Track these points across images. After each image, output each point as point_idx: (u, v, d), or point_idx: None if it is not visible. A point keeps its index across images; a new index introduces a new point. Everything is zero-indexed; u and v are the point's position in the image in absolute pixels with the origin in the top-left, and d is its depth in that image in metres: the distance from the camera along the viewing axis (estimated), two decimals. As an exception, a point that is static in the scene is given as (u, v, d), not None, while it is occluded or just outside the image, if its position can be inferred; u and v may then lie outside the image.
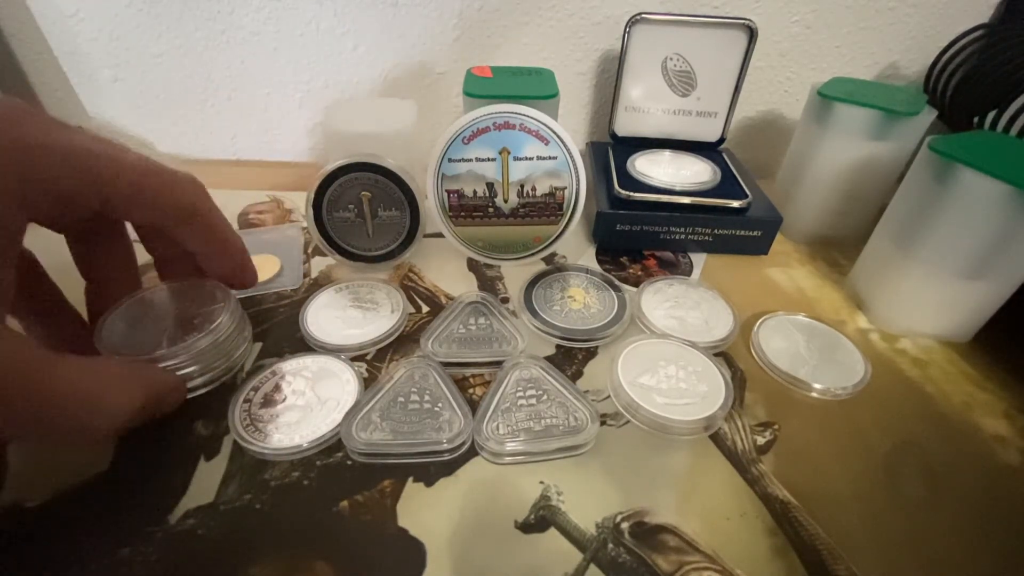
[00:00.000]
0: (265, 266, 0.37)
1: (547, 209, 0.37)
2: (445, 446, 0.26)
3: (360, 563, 0.22)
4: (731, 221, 0.40)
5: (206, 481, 0.24)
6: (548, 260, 0.40)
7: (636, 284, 0.38)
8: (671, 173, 0.42)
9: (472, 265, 0.39)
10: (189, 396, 0.28)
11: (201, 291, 0.29)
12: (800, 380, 0.31)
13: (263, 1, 0.45)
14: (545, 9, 0.47)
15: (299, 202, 0.45)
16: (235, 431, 0.26)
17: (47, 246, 0.26)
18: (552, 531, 0.23)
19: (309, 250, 0.40)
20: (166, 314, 0.28)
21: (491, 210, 0.37)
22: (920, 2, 0.47)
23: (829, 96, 0.38)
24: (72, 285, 0.29)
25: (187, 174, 0.26)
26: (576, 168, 0.35)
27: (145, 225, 0.27)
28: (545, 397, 0.28)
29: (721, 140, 0.46)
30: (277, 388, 0.28)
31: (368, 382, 0.29)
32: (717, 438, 0.28)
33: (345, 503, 0.24)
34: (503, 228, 0.37)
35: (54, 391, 0.19)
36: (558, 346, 0.33)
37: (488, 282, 0.38)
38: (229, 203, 0.45)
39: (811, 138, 0.41)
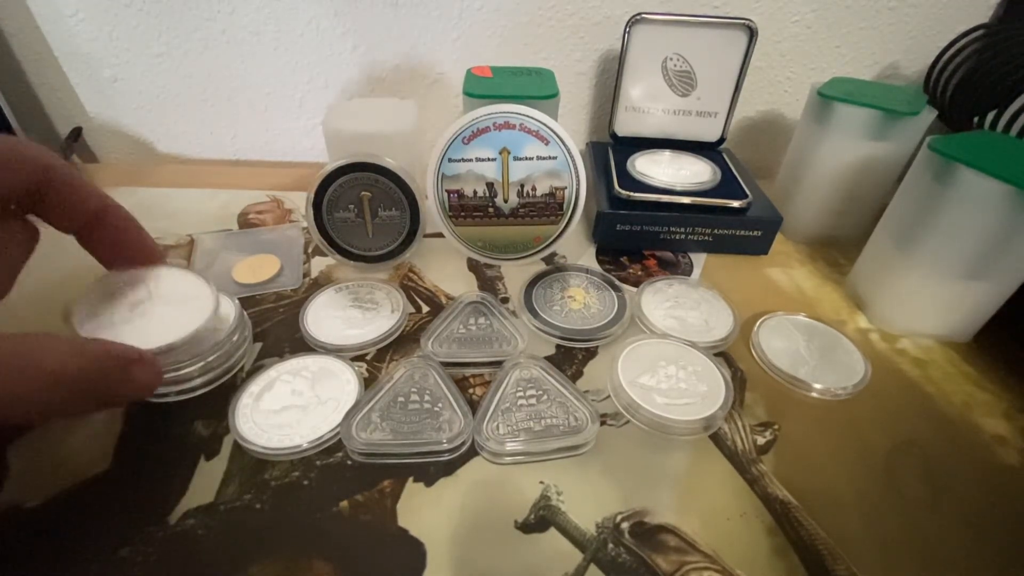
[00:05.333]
0: (265, 266, 0.37)
1: (547, 209, 0.37)
2: (445, 446, 0.26)
3: (360, 563, 0.22)
4: (731, 221, 0.40)
5: (206, 481, 0.24)
6: (548, 260, 0.40)
7: (636, 284, 0.38)
8: (671, 173, 0.42)
9: (472, 265, 0.39)
10: (189, 396, 0.28)
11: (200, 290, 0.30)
12: (800, 380, 0.31)
13: (263, 1, 0.45)
14: (545, 9, 0.47)
15: (299, 202, 0.45)
16: (235, 431, 0.26)
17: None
18: (552, 531, 0.23)
19: (309, 250, 0.40)
20: (165, 313, 0.28)
21: (491, 210, 0.37)
22: (920, 2, 0.47)
23: (829, 96, 0.38)
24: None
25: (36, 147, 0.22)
26: (576, 168, 0.35)
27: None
28: (545, 397, 0.28)
29: (721, 140, 0.46)
30: (277, 388, 0.28)
31: (368, 382, 0.29)
32: (717, 438, 0.28)
33: (345, 503, 0.24)
34: (503, 228, 0.37)
35: None
36: (558, 346, 0.33)
37: (488, 282, 0.38)
38: (229, 203, 0.45)
39: (811, 138, 0.41)
